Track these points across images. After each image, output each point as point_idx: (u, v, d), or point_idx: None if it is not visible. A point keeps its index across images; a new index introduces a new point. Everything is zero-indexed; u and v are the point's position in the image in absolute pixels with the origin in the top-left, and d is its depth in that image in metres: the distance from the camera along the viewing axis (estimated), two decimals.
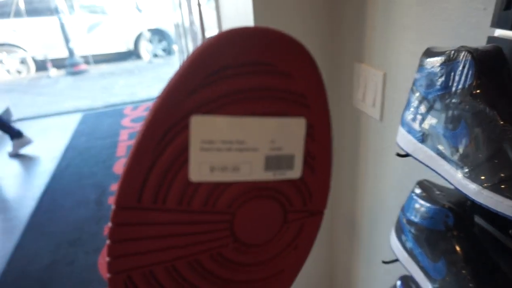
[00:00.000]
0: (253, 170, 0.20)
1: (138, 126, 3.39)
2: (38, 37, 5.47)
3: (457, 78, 0.38)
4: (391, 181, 0.74)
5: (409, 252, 0.52)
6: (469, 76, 0.36)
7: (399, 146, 0.48)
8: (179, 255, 0.20)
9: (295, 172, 0.21)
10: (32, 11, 5.43)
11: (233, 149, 0.19)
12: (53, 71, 5.47)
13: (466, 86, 0.37)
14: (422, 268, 0.50)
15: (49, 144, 3.11)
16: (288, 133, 0.20)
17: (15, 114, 3.84)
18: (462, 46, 0.38)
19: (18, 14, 5.35)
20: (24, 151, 2.90)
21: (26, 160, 2.82)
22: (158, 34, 5.91)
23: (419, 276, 0.51)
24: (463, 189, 0.36)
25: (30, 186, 2.49)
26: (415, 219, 0.51)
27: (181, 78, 0.18)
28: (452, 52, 0.39)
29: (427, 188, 0.51)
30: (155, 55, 5.95)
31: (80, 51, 5.61)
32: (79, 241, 1.86)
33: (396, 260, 0.57)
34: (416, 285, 0.58)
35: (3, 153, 2.92)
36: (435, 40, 0.54)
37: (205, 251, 0.21)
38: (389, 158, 0.72)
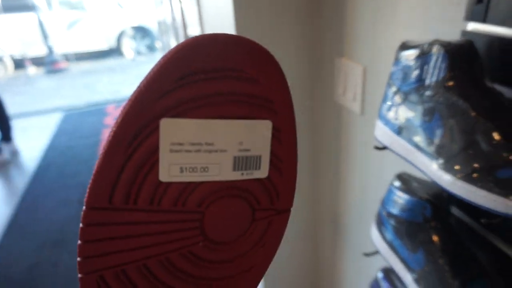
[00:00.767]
0: (222, 170, 0.21)
1: None
2: (15, 34, 5.34)
3: (430, 71, 0.38)
4: (372, 175, 0.75)
5: (389, 244, 0.53)
6: (442, 69, 0.37)
7: (377, 139, 0.49)
8: (150, 254, 0.21)
9: (262, 172, 0.21)
10: (9, 8, 5.29)
11: (202, 151, 0.20)
12: (32, 70, 5.35)
13: (440, 79, 0.37)
14: (401, 259, 0.51)
15: (30, 144, 3.05)
16: (255, 135, 0.20)
17: None
18: (436, 40, 0.39)
19: None
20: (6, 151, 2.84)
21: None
22: (141, 32, 5.84)
23: (398, 267, 0.51)
24: (438, 180, 0.37)
25: (11, 186, 2.43)
26: (394, 211, 0.52)
27: (152, 81, 0.18)
28: (426, 45, 0.39)
29: (405, 181, 0.52)
30: (138, 53, 5.88)
31: (60, 49, 5.49)
32: (63, 242, 1.83)
33: (377, 252, 0.58)
34: (397, 276, 0.59)
35: None
36: (413, 34, 0.55)
37: (176, 249, 0.21)
38: (370, 152, 0.73)
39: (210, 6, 1.00)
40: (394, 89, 0.44)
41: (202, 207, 0.21)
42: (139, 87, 0.18)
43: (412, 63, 0.41)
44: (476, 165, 0.34)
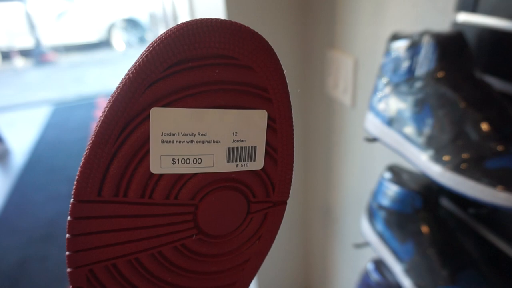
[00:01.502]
0: (216, 162, 0.20)
1: None
2: (1, 25, 5.23)
3: (421, 62, 0.38)
4: (364, 167, 0.75)
5: (379, 235, 0.53)
6: (432, 60, 0.37)
7: (367, 131, 0.49)
8: (142, 248, 0.20)
9: (258, 164, 0.21)
10: None
11: (195, 142, 0.19)
12: (19, 62, 5.25)
13: (430, 69, 0.37)
14: (391, 250, 0.51)
15: (18, 137, 3.00)
16: (250, 125, 0.20)
17: None
18: (426, 31, 0.38)
19: None
20: None
21: None
22: (132, 24, 5.76)
23: (388, 258, 0.52)
24: (428, 171, 0.37)
25: None
26: (385, 203, 0.52)
27: (140, 69, 0.17)
28: (416, 36, 0.39)
29: (396, 173, 0.52)
30: (129, 45, 5.80)
31: (48, 41, 5.40)
32: (52, 237, 1.82)
33: (367, 243, 0.58)
34: (387, 267, 0.59)
35: None
36: (404, 26, 0.55)
37: (168, 243, 0.20)
38: (362, 144, 0.73)
39: None
40: (384, 80, 0.44)
41: (195, 199, 0.20)
42: (127, 75, 0.18)
43: (402, 54, 0.40)
44: (465, 155, 0.34)
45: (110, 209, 0.19)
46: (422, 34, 0.38)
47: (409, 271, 0.47)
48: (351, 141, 0.77)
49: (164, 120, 0.18)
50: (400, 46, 0.41)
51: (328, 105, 0.83)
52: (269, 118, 0.20)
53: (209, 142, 0.19)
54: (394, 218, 0.50)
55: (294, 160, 0.22)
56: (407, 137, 0.40)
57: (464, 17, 0.42)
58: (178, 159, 0.19)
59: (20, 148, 2.82)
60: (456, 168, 0.34)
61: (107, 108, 0.18)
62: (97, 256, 0.20)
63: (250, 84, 0.19)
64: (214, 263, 0.22)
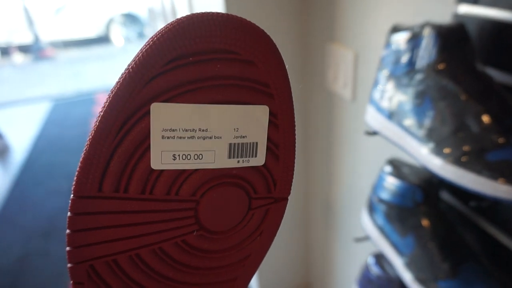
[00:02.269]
0: (217, 158, 0.20)
1: None
2: None
3: (421, 54, 0.38)
4: (364, 161, 0.75)
5: (380, 229, 0.53)
6: (433, 52, 0.37)
7: (368, 124, 0.48)
8: (143, 243, 0.20)
9: (259, 160, 0.21)
10: None
11: (196, 137, 0.19)
12: (18, 57, 5.23)
13: (430, 62, 0.37)
14: (392, 244, 0.51)
15: (17, 134, 3.00)
16: (251, 121, 0.19)
17: None
18: (427, 22, 0.38)
19: None
20: None
21: None
22: (130, 19, 5.73)
23: (389, 252, 0.52)
24: (428, 164, 0.37)
25: None
26: (385, 196, 0.52)
27: (140, 64, 0.17)
28: (417, 28, 0.39)
29: (396, 166, 0.52)
30: (128, 40, 5.78)
31: (46, 36, 5.37)
32: (52, 232, 1.82)
33: (368, 237, 0.58)
34: (387, 261, 0.59)
35: None
36: (404, 18, 0.54)
37: (170, 239, 0.20)
38: (362, 138, 0.73)
39: None
40: (385, 73, 0.43)
41: (196, 195, 0.20)
42: (126, 70, 0.17)
43: (403, 46, 0.40)
44: (465, 148, 0.34)
45: (110, 205, 0.19)
46: (422, 26, 0.38)
47: (409, 265, 0.47)
48: (352, 135, 0.77)
49: (164, 116, 0.18)
50: (401, 38, 0.40)
51: (328, 99, 0.83)
52: (270, 113, 0.20)
53: (210, 138, 0.19)
54: (395, 212, 0.50)
55: (296, 151, 0.22)
56: (407, 130, 0.40)
57: (465, 9, 0.42)
58: (179, 155, 0.19)
59: (20, 144, 2.82)
60: (456, 160, 0.34)
61: (107, 103, 0.18)
62: (98, 251, 0.20)
63: (252, 80, 0.19)
64: (215, 259, 0.22)
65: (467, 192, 0.34)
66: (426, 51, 0.37)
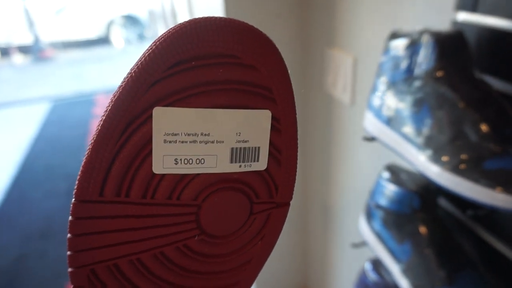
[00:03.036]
0: (219, 162, 0.20)
1: None
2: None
3: (420, 60, 0.38)
4: (363, 166, 0.75)
5: (377, 235, 0.53)
6: (431, 59, 0.37)
7: (366, 130, 0.48)
8: (144, 248, 0.20)
9: (261, 164, 0.20)
10: None
11: (198, 142, 0.19)
12: (17, 58, 5.24)
13: (429, 69, 0.37)
14: (389, 250, 0.51)
15: (16, 134, 2.99)
16: (253, 126, 0.19)
17: None
18: (425, 29, 0.38)
19: None
20: None
21: None
22: (131, 20, 5.74)
23: (386, 258, 0.52)
24: (426, 172, 0.37)
25: None
26: (383, 202, 0.51)
27: (143, 68, 0.17)
28: (415, 35, 0.39)
29: (394, 172, 0.52)
30: (128, 42, 5.78)
31: (46, 37, 5.37)
32: (50, 233, 1.81)
33: (364, 243, 0.58)
34: (385, 267, 0.59)
35: None
36: (404, 24, 0.54)
37: (171, 243, 0.20)
38: (361, 143, 0.73)
39: None
40: (383, 79, 0.43)
41: (198, 200, 0.20)
42: (129, 74, 0.17)
43: (401, 53, 0.40)
44: (463, 156, 0.34)
45: (112, 209, 0.19)
46: (421, 32, 0.38)
47: (406, 272, 0.47)
48: (350, 139, 0.77)
49: (166, 120, 0.18)
50: (399, 44, 0.40)
51: (327, 103, 0.83)
52: (273, 118, 0.20)
53: (212, 142, 0.19)
54: (392, 218, 0.50)
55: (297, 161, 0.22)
56: (405, 137, 0.40)
57: (464, 16, 0.42)
58: (180, 159, 0.19)
59: (19, 145, 2.82)
60: (454, 168, 0.34)
61: (109, 108, 0.18)
62: (99, 256, 0.20)
63: (254, 84, 0.19)
64: (217, 264, 0.22)
65: (464, 200, 0.34)
66: (424, 58, 0.37)
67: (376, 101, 0.45)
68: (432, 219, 0.46)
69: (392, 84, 0.42)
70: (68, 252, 0.19)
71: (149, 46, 0.17)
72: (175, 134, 0.18)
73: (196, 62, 0.17)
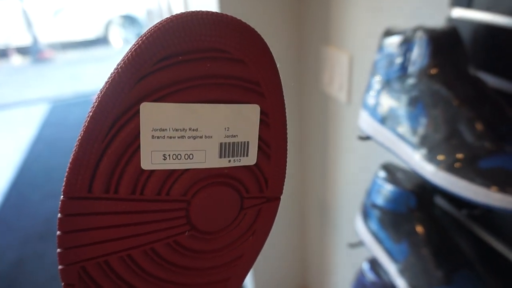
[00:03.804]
0: (208, 158, 0.20)
1: None
2: None
3: (414, 58, 0.37)
4: (360, 165, 0.74)
5: (374, 235, 0.53)
6: (425, 56, 0.36)
7: (361, 129, 0.48)
8: (134, 244, 0.20)
9: (250, 159, 0.20)
10: None
11: (186, 137, 0.19)
12: (16, 59, 5.23)
13: (423, 66, 0.36)
14: (386, 250, 0.50)
15: (15, 136, 2.99)
16: (242, 120, 0.19)
17: None
18: (419, 26, 0.37)
19: None
20: None
21: None
22: (129, 20, 5.73)
23: (383, 258, 0.51)
24: (421, 171, 0.36)
25: None
26: (379, 202, 0.51)
27: (130, 63, 0.17)
28: (409, 32, 0.38)
29: (391, 171, 0.51)
30: (126, 42, 5.78)
31: (45, 38, 5.37)
32: (49, 235, 1.81)
33: (361, 243, 0.57)
34: (381, 267, 0.59)
35: None
36: (399, 21, 0.54)
37: (161, 239, 0.20)
38: (357, 142, 0.73)
39: None
40: (378, 77, 0.43)
41: (187, 195, 0.20)
42: (116, 70, 0.17)
43: (395, 50, 0.39)
44: (458, 155, 0.33)
45: (100, 206, 0.19)
46: (415, 29, 0.37)
47: (403, 272, 0.46)
48: (347, 138, 0.76)
49: (154, 115, 0.18)
50: (393, 42, 0.40)
51: (323, 102, 0.82)
52: (261, 112, 0.20)
53: (201, 137, 0.19)
54: (389, 218, 0.49)
55: (287, 155, 0.22)
56: (400, 136, 0.39)
57: (459, 13, 0.41)
58: (169, 155, 0.19)
59: (17, 146, 2.81)
60: (449, 167, 0.33)
61: (96, 104, 0.18)
62: (89, 253, 0.19)
63: (242, 78, 0.19)
64: (208, 259, 0.22)
65: (460, 199, 0.33)
66: (418, 56, 0.37)
67: (370, 100, 0.44)
68: (429, 218, 0.45)
69: (386, 83, 0.41)
70: (58, 250, 0.19)
71: (136, 41, 0.17)
72: (163, 130, 0.18)
73: (183, 57, 0.17)
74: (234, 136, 0.20)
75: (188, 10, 0.18)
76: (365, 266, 0.62)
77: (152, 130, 0.18)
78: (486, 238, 0.43)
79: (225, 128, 0.19)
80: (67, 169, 0.18)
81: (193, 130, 0.19)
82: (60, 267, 0.20)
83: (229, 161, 0.20)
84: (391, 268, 0.49)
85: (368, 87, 0.45)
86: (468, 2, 0.39)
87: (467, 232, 0.45)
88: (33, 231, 1.85)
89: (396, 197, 0.48)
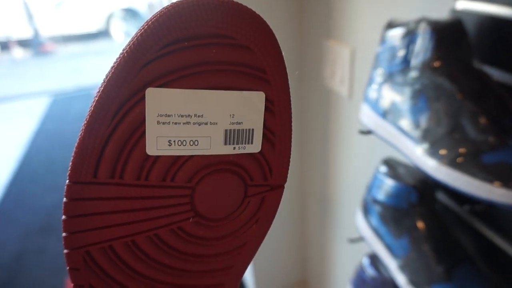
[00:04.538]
0: (213, 144, 0.20)
1: None
2: None
3: (417, 50, 0.36)
4: (361, 159, 0.74)
5: (374, 231, 0.52)
6: (428, 48, 0.35)
7: (362, 123, 0.47)
8: (138, 230, 0.20)
9: (255, 146, 0.21)
10: None
11: (192, 123, 0.19)
12: (17, 52, 5.22)
13: (426, 59, 0.36)
14: (386, 246, 0.50)
15: (16, 129, 2.99)
16: (247, 107, 0.19)
17: None
18: (422, 18, 0.37)
19: None
20: None
21: None
22: (131, 13, 5.70)
23: (383, 253, 0.51)
24: (423, 166, 0.36)
25: None
26: (380, 197, 0.50)
27: (135, 48, 0.17)
28: (412, 24, 0.37)
29: (392, 166, 0.51)
30: (128, 35, 5.76)
31: (46, 31, 5.35)
32: (50, 229, 1.81)
33: (362, 238, 0.57)
34: (382, 262, 0.58)
35: None
36: (402, 14, 0.53)
37: (165, 225, 0.21)
38: (359, 136, 0.72)
39: None
40: (380, 70, 0.42)
41: (192, 182, 0.20)
42: (121, 54, 0.17)
43: (397, 43, 0.39)
44: (461, 149, 0.33)
45: (106, 190, 0.19)
46: (418, 21, 0.37)
47: (404, 267, 0.46)
48: (348, 132, 0.76)
49: (159, 101, 0.18)
50: (396, 34, 0.39)
51: (324, 96, 0.81)
52: (267, 100, 0.20)
53: (206, 124, 0.19)
54: (389, 213, 0.49)
55: (292, 144, 0.22)
56: (402, 130, 0.39)
57: (464, 4, 0.40)
58: (174, 141, 0.19)
59: (18, 140, 2.81)
60: (451, 162, 0.32)
61: (101, 89, 0.18)
62: (94, 237, 0.20)
63: (248, 65, 0.19)
64: (211, 246, 0.22)
65: (462, 194, 0.33)
66: (421, 48, 0.36)
67: (372, 94, 0.44)
68: (430, 213, 0.45)
69: (388, 76, 0.40)
70: (63, 234, 0.19)
71: (142, 26, 0.17)
72: (169, 116, 0.18)
73: (188, 43, 0.17)
74: (239, 123, 0.19)
75: None
76: (365, 261, 0.61)
77: (158, 116, 0.18)
78: (487, 233, 0.42)
79: (230, 115, 0.19)
80: (73, 154, 0.18)
81: (198, 116, 0.19)
82: (65, 251, 0.20)
83: (234, 148, 0.20)
84: (392, 264, 0.49)
85: (370, 80, 0.45)
86: None
87: (468, 228, 0.44)
88: (33, 224, 1.86)
89: (397, 192, 0.47)
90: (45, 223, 1.86)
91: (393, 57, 0.40)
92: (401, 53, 0.38)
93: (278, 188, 0.22)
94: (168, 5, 0.17)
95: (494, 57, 0.38)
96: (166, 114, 0.18)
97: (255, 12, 0.18)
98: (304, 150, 0.97)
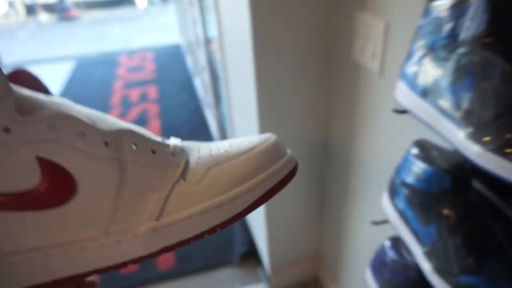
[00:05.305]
0: None
1: (133, 76, 3.27)
2: None
3: (467, 24, 0.33)
4: (388, 140, 0.71)
5: (401, 214, 0.50)
6: (481, 21, 0.32)
7: (398, 101, 0.44)
8: None
9: None
10: None
11: None
12: (43, 16, 5.25)
13: (477, 33, 0.32)
14: (412, 231, 0.48)
15: None
16: None
17: (4, 60, 3.73)
18: None
19: None
20: None
21: None
22: None
23: (409, 238, 0.49)
24: (465, 150, 0.33)
25: None
26: (410, 180, 0.48)
27: None
28: None
29: (424, 149, 0.48)
30: (151, 3, 5.69)
31: None
32: None
33: (386, 221, 0.55)
34: (405, 247, 0.56)
35: None
36: None
37: None
38: (388, 115, 0.69)
39: None
40: (421, 44, 0.39)
41: None
42: None
43: (445, 14, 0.35)
44: (509, 136, 0.30)
45: None
46: None
47: (430, 255, 0.44)
48: (377, 111, 0.73)
49: None
50: (443, 4, 0.35)
51: (353, 71, 0.78)
52: None
53: None
54: (418, 197, 0.47)
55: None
56: (442, 111, 0.36)
57: None
58: None
59: None
60: (498, 149, 0.30)
61: None
62: None
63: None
64: None
65: (504, 184, 0.30)
66: (473, 21, 0.32)
67: (410, 69, 0.40)
68: (464, 201, 0.42)
69: (431, 50, 0.37)
70: None
71: None
72: None
73: None
74: None
75: None
76: (387, 243, 0.60)
77: None
78: None
79: None
80: None
81: None
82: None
83: None
84: (417, 250, 0.47)
85: (409, 55, 0.41)
86: None
87: (504, 219, 0.42)
88: None
89: (429, 176, 0.45)
90: None
91: (438, 30, 0.36)
92: (448, 25, 0.35)
93: None
94: None
95: None
96: None
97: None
98: (328, 125, 0.95)
